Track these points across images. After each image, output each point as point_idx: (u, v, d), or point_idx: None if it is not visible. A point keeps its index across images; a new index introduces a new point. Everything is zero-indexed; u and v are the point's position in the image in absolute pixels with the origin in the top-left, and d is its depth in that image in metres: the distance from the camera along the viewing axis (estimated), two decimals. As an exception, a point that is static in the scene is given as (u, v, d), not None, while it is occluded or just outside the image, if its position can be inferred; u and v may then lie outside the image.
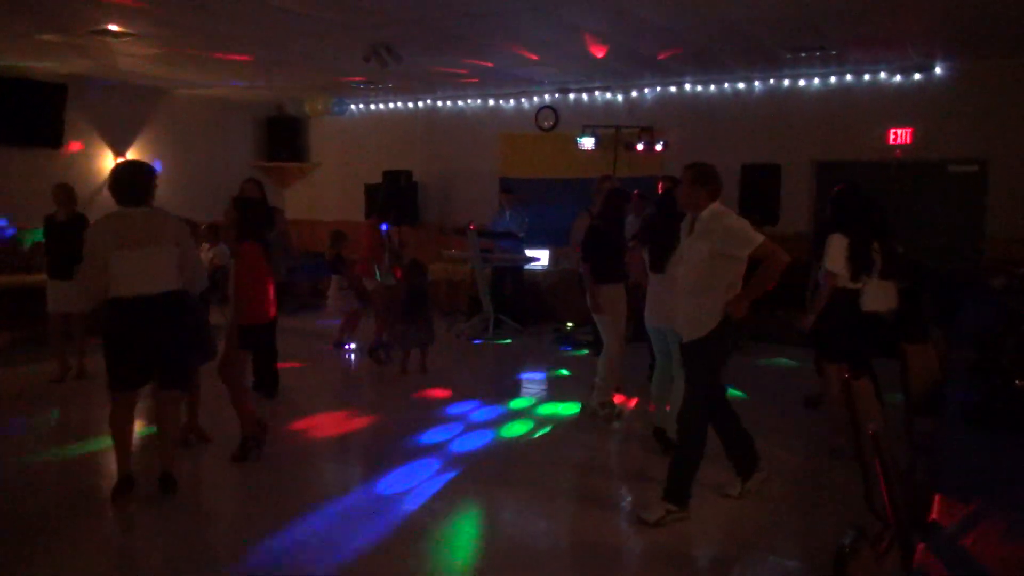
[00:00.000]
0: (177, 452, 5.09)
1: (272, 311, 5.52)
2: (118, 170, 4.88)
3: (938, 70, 9.11)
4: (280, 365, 7.16)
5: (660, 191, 7.24)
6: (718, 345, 4.42)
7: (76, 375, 7.62)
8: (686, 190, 4.43)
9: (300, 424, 6.34)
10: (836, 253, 5.38)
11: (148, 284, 4.57)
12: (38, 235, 8.17)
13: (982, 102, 8.89)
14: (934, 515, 2.49)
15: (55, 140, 10.04)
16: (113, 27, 7.39)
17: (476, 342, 9.87)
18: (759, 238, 4.25)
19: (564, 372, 8.37)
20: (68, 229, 7.24)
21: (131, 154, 11.08)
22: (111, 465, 4.92)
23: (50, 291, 7.45)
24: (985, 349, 4.46)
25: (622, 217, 6.58)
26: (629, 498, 4.96)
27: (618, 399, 6.69)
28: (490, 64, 9.33)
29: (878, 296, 5.59)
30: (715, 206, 4.39)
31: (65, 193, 7.45)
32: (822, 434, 5.94)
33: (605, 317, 6.34)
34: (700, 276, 4.37)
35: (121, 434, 4.73)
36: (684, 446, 4.51)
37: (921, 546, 2.29)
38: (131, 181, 4.70)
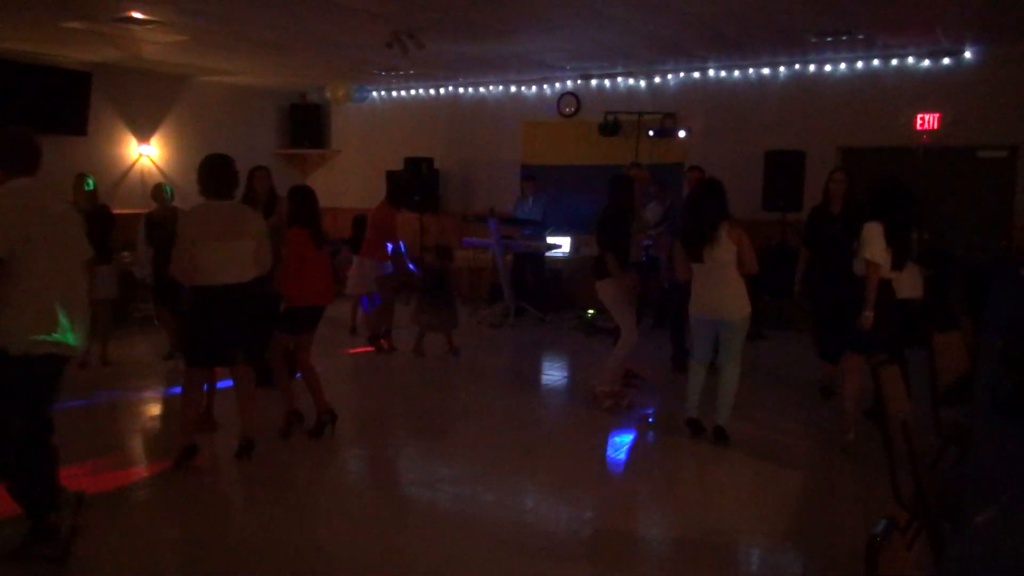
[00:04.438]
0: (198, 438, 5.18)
1: (322, 299, 5.59)
2: (207, 163, 4.91)
3: (968, 54, 8.93)
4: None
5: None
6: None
7: (100, 362, 7.69)
8: None
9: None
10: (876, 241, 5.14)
11: (228, 274, 4.77)
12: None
13: (1013, 87, 8.72)
14: (962, 504, 2.45)
15: (80, 128, 10.12)
16: (137, 14, 7.43)
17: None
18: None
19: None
20: (92, 219, 7.26)
21: (154, 142, 11.17)
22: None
23: None
24: (1014, 337, 4.39)
25: (631, 204, 6.40)
26: (650, 487, 4.93)
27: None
28: (512, 49, 9.27)
29: (910, 283, 5.54)
30: (16, 184, 3.59)
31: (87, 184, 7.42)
32: (835, 424, 5.88)
33: (615, 307, 6.26)
34: None
35: (189, 407, 5.01)
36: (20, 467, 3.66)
37: (949, 535, 2.26)
38: (219, 175, 4.87)
